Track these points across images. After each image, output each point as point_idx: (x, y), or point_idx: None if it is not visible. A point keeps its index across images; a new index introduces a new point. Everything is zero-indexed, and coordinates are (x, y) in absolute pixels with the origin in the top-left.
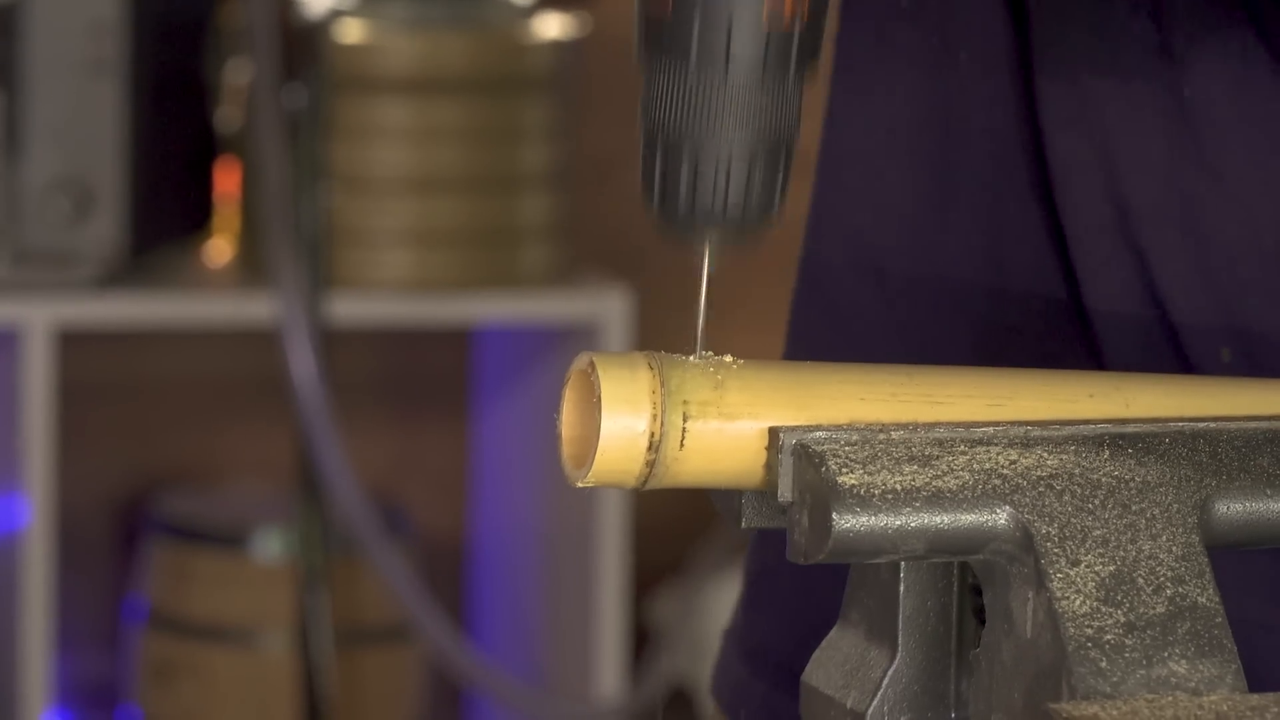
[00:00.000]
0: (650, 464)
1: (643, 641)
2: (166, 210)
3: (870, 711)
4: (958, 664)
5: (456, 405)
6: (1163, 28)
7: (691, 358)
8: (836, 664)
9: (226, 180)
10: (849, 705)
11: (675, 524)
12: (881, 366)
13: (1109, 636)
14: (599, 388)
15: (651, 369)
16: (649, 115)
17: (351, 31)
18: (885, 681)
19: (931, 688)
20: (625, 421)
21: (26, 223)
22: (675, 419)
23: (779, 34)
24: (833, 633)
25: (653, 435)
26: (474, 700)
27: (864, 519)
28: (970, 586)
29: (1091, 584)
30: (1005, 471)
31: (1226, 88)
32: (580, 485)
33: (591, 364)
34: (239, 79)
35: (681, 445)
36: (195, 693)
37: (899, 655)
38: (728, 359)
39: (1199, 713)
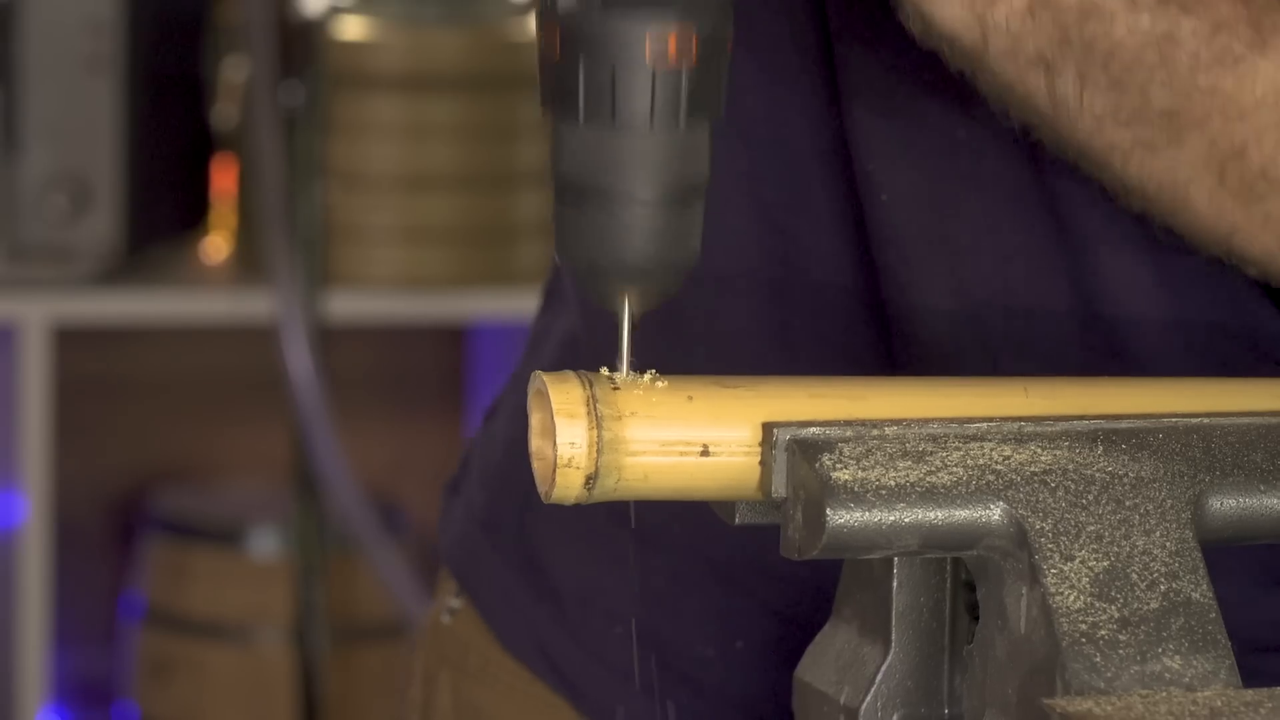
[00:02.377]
0: (590, 484)
1: None
2: (163, 207)
3: (864, 707)
4: (951, 660)
5: (453, 402)
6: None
7: (618, 375)
8: (830, 660)
9: (223, 177)
10: (842, 701)
11: None
12: (804, 379)
13: (1103, 632)
14: (550, 408)
15: (584, 387)
16: (554, 165)
17: (348, 29)
18: (879, 677)
19: (925, 684)
20: (571, 435)
21: (23, 219)
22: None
23: (666, 73)
24: (826, 629)
25: (594, 456)
26: None
27: (858, 515)
28: (963, 582)
29: (1085, 579)
30: (999, 467)
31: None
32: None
33: (542, 383)
34: (236, 76)
35: (621, 464)
36: (192, 689)
37: (892, 651)
38: (646, 377)
39: (1193, 708)
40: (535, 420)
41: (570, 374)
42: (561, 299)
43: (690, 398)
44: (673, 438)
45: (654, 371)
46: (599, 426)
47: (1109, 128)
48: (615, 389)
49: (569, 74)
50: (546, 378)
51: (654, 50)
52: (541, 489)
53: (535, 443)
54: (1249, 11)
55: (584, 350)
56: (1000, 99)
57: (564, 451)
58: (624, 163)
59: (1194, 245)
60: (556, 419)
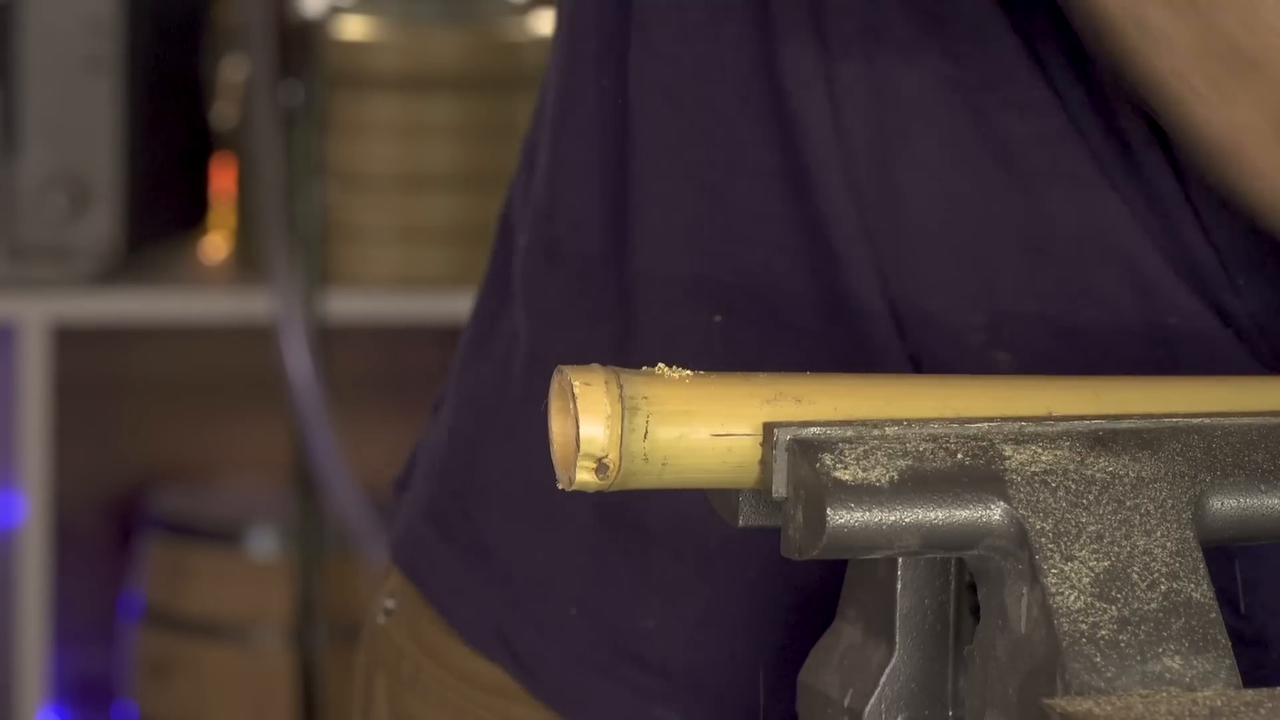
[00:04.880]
0: (616, 469)
1: None
2: (162, 206)
3: (868, 710)
4: (955, 661)
5: None
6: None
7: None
8: (834, 662)
9: (222, 177)
10: (846, 703)
11: None
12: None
13: (1103, 632)
14: (573, 399)
15: (609, 380)
16: None
17: (347, 28)
18: (883, 679)
19: (929, 685)
20: (594, 429)
21: (22, 219)
22: (638, 423)
23: None
24: (830, 630)
25: (619, 442)
26: None
27: (858, 514)
28: (967, 584)
29: (1086, 580)
30: (999, 467)
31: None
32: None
33: (566, 376)
34: (235, 75)
35: (644, 451)
36: (191, 689)
37: (896, 653)
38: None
39: (1193, 708)
40: (556, 409)
41: (595, 365)
42: (505, 294)
43: (711, 388)
44: (695, 426)
45: (664, 365)
46: (623, 416)
47: (1187, 63)
48: (639, 378)
49: None
50: (569, 369)
51: None
52: (562, 477)
53: (556, 431)
54: None
55: (524, 348)
56: (1091, 27)
57: (587, 439)
58: None
59: (1251, 213)
60: (580, 407)
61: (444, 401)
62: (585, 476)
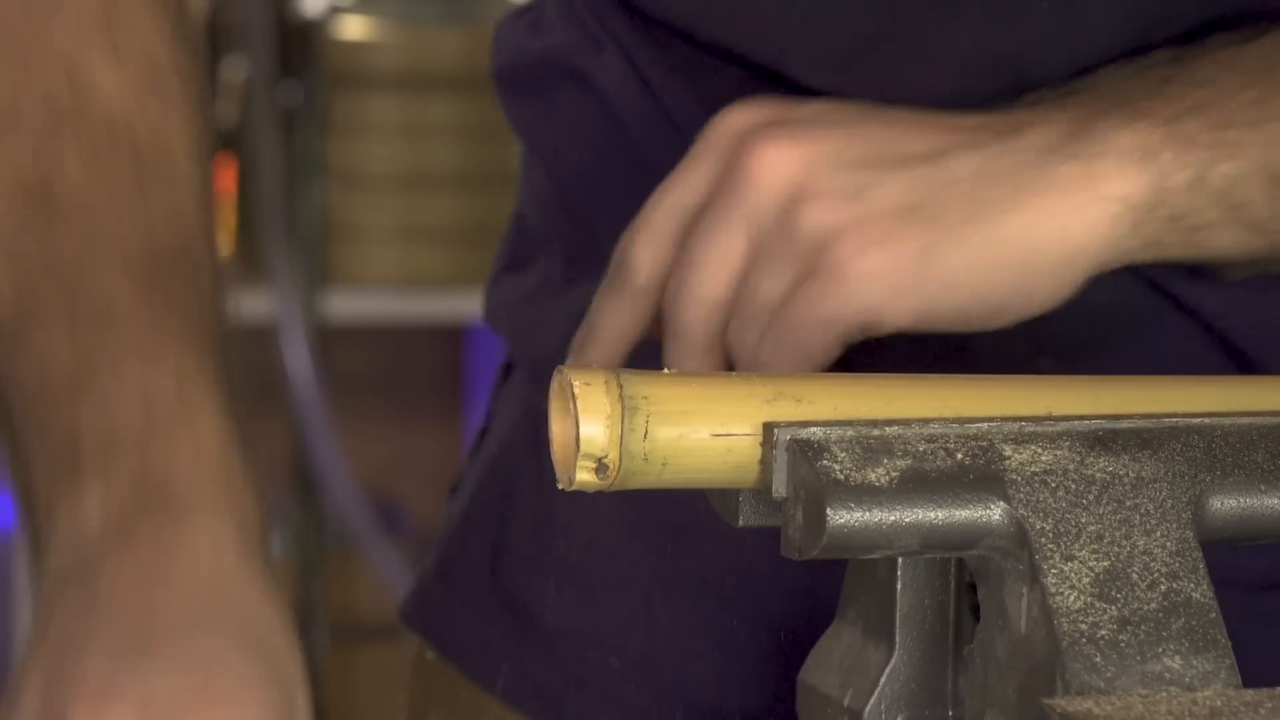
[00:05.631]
0: (616, 469)
1: None
2: None
3: (868, 709)
4: (955, 661)
5: (451, 401)
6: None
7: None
8: (834, 662)
9: (222, 177)
10: (846, 703)
11: None
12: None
13: (1103, 632)
14: (573, 399)
15: (609, 380)
16: None
17: (347, 28)
18: (883, 679)
19: (929, 685)
20: (594, 429)
21: None
22: (637, 423)
23: None
24: (830, 631)
25: (619, 439)
26: None
27: (858, 514)
28: (967, 584)
29: (1086, 580)
30: (999, 467)
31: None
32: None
33: (566, 376)
34: (235, 75)
35: (644, 451)
36: None
37: (896, 653)
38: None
39: (1193, 708)
40: (556, 409)
41: (594, 366)
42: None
43: (711, 388)
44: (695, 426)
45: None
46: (623, 416)
47: None
48: (639, 378)
49: None
50: (569, 368)
51: None
52: (561, 477)
53: (556, 431)
54: None
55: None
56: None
57: (587, 439)
58: None
59: None
60: (580, 407)
61: (462, 482)
62: (585, 476)
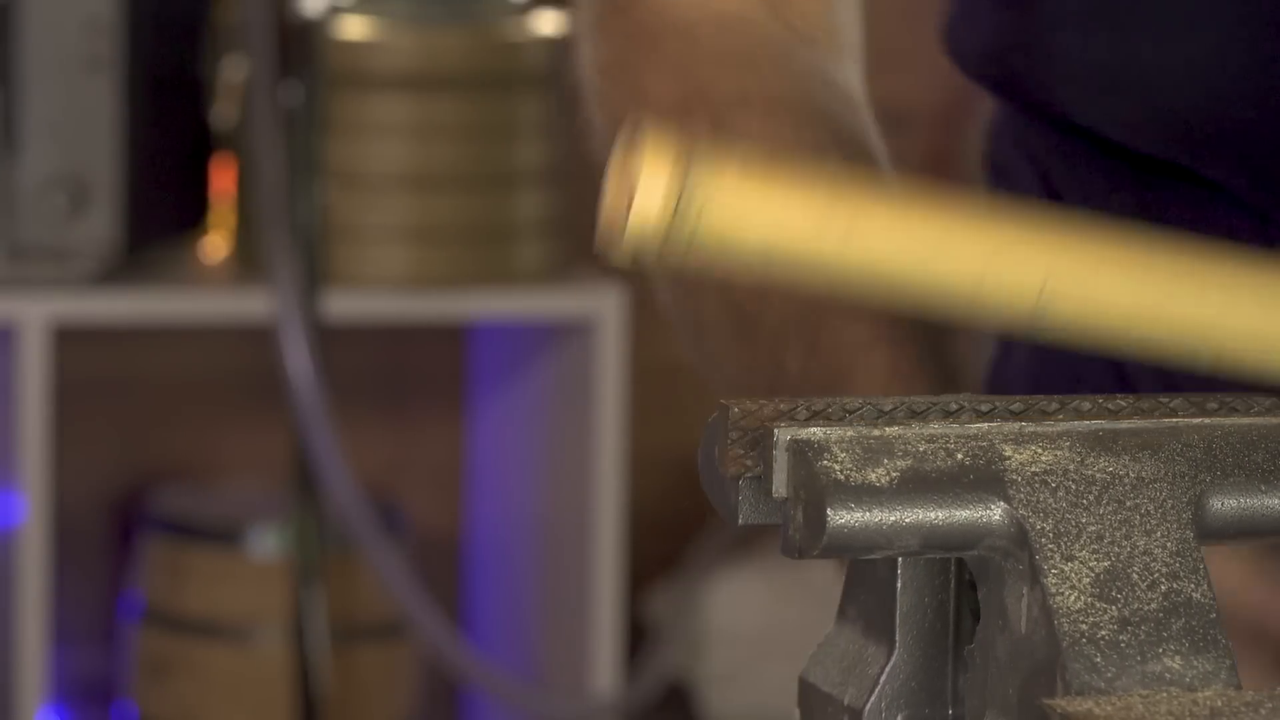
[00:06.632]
0: (680, 207)
1: (639, 637)
2: (162, 207)
3: (868, 708)
4: (955, 660)
5: (452, 402)
6: None
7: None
8: (834, 660)
9: (222, 177)
10: (846, 702)
11: (672, 519)
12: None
13: (1103, 632)
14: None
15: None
16: None
17: (348, 28)
18: (882, 678)
19: (929, 684)
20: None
21: (22, 219)
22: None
23: None
24: (830, 630)
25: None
26: (470, 697)
27: (858, 514)
28: (968, 583)
29: (1086, 580)
30: (999, 467)
31: None
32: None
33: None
34: (235, 75)
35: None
36: (191, 689)
37: (896, 652)
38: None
39: (1194, 708)
40: (618, 178)
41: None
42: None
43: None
44: (759, 181)
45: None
46: (687, 163)
47: None
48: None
49: None
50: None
51: None
52: (610, 238)
53: (612, 199)
54: None
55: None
56: None
57: (645, 181)
58: None
59: None
60: (644, 149)
61: None
62: (639, 221)
